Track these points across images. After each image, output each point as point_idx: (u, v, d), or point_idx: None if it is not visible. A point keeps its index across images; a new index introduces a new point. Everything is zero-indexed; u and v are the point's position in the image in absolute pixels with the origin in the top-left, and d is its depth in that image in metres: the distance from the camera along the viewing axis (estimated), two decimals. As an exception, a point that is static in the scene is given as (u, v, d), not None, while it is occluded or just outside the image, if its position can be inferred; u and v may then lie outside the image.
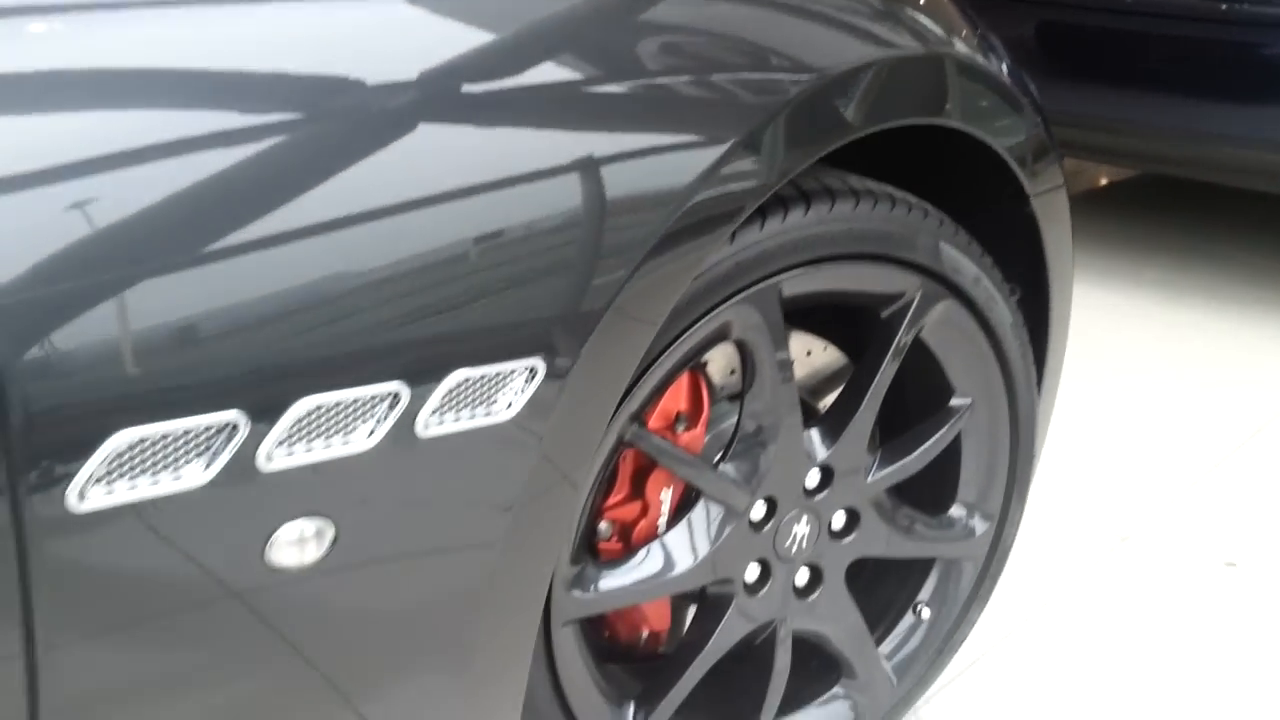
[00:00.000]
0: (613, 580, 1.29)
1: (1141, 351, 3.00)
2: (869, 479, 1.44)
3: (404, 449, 0.95)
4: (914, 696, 1.61)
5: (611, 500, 1.34)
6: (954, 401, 1.49)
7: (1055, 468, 2.19)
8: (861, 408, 1.39)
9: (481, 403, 0.98)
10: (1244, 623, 1.94)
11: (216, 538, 0.88)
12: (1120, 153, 3.47)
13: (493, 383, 0.98)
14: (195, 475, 0.85)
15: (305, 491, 0.91)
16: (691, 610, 1.46)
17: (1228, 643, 1.88)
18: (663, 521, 1.35)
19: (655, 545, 1.32)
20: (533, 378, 1.01)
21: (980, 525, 1.56)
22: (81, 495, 0.80)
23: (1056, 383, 1.65)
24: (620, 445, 1.26)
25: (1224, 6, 3.01)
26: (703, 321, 1.23)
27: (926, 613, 1.58)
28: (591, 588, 1.27)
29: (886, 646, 1.58)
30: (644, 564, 1.32)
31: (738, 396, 1.40)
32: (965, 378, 1.49)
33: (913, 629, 1.59)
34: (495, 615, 1.07)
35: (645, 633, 1.43)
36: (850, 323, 1.47)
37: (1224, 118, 3.08)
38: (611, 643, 1.43)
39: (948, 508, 1.56)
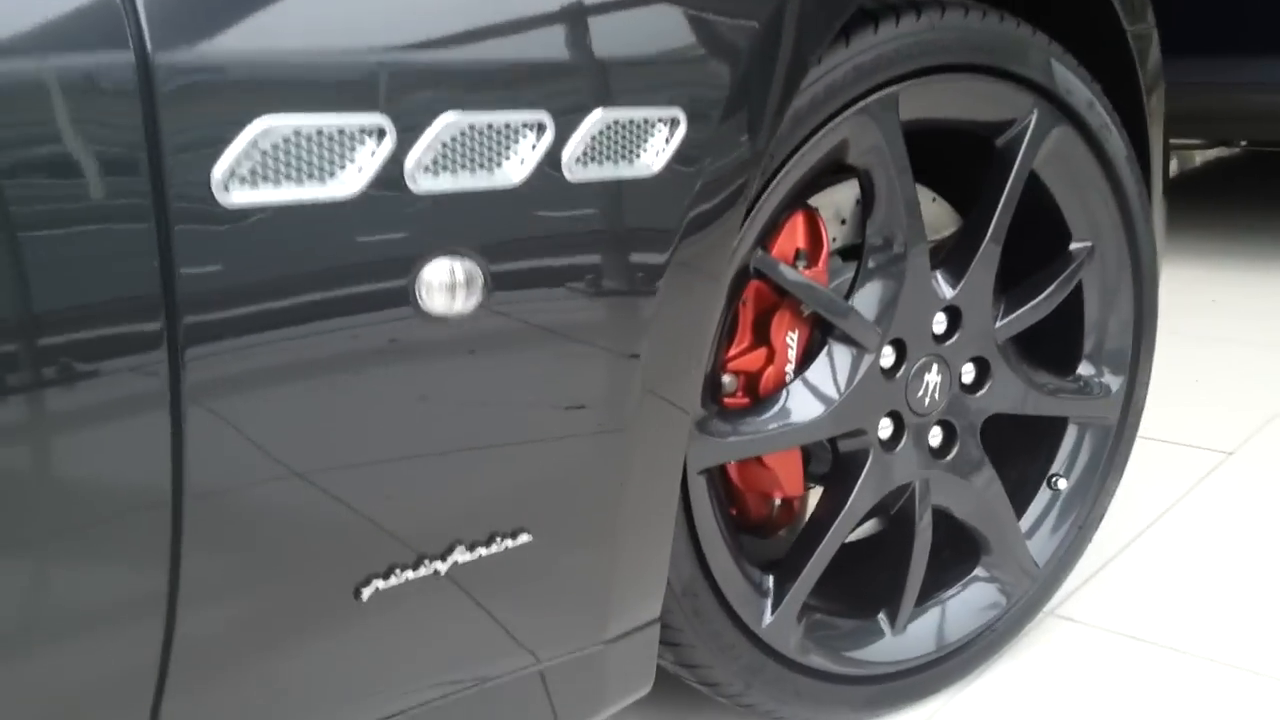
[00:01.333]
0: (744, 425, 1.20)
1: (1221, 310, 2.95)
2: (996, 325, 1.35)
3: (551, 190, 0.87)
4: (1059, 577, 1.50)
5: (734, 351, 1.25)
6: (1073, 245, 1.42)
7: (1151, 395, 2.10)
8: (984, 243, 1.31)
9: (626, 153, 0.91)
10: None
11: (364, 259, 0.79)
12: (1227, 120, 3.25)
13: (635, 131, 0.91)
14: (342, 185, 0.77)
15: (453, 224, 0.83)
16: (824, 489, 1.36)
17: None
18: (790, 369, 1.26)
19: (786, 390, 1.24)
20: (674, 130, 0.94)
21: (1113, 381, 1.47)
22: (226, 187, 0.72)
23: (1161, 240, 1.57)
24: (745, 277, 1.18)
25: None
26: (822, 133, 1.16)
27: (1062, 484, 1.48)
28: (723, 433, 1.18)
29: (1024, 523, 1.47)
30: (776, 408, 1.23)
31: (846, 252, 1.33)
32: (1082, 218, 1.41)
33: (1050, 503, 1.49)
34: (645, 405, 0.98)
35: (777, 502, 1.33)
36: (959, 174, 1.40)
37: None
38: (742, 519, 1.33)
39: (1076, 365, 1.47)
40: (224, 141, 0.72)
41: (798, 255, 1.25)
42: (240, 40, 0.73)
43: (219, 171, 0.72)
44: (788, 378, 1.26)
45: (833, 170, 1.25)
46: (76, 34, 0.68)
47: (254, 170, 0.74)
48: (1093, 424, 1.49)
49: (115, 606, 0.76)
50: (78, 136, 0.68)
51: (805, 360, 1.26)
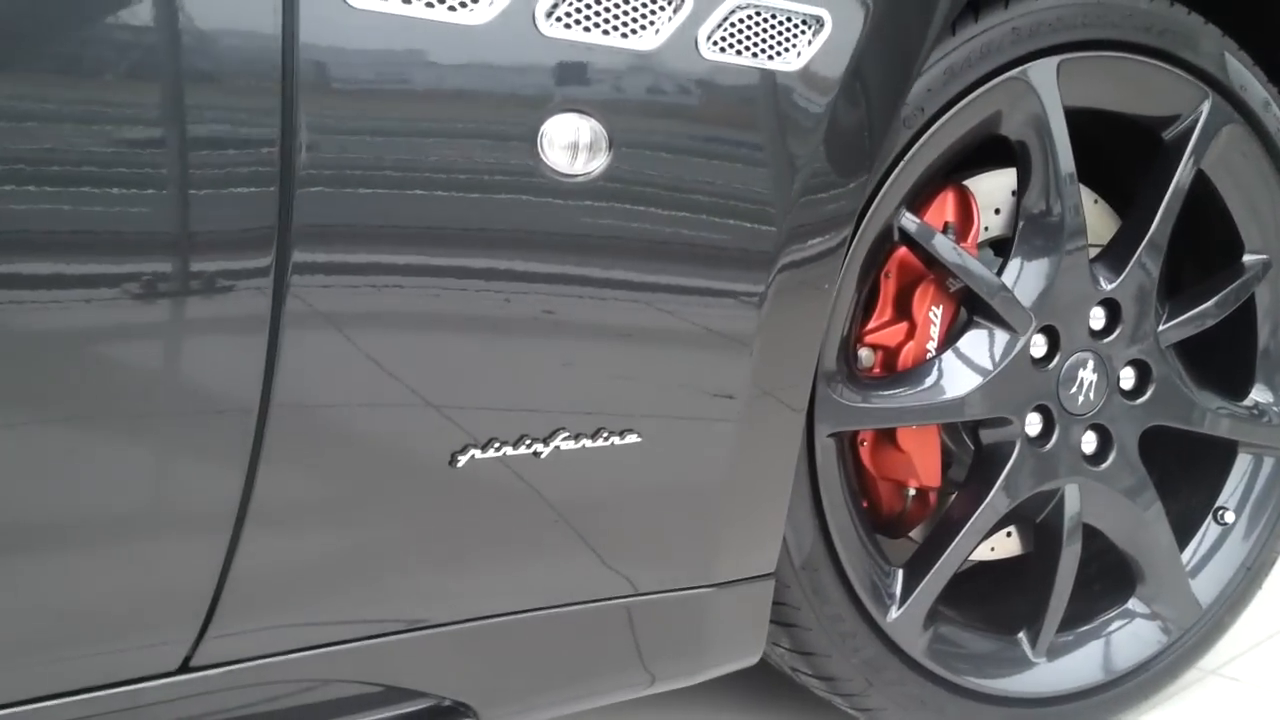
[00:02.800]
0: (879, 394, 1.14)
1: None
2: (1159, 328, 1.27)
3: (686, 63, 0.85)
4: (1224, 624, 1.36)
5: (873, 324, 1.19)
6: (1246, 258, 1.33)
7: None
8: (1147, 238, 1.24)
9: (765, 45, 0.89)
10: None
11: (489, 93, 0.78)
12: None
13: (778, 23, 0.89)
14: (471, 11, 0.77)
15: (580, 78, 0.81)
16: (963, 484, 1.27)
17: None
18: (932, 345, 1.19)
19: (928, 364, 1.17)
20: (819, 30, 0.91)
21: (1291, 409, 1.36)
22: (356, -12, 0.72)
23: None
24: (886, 243, 1.13)
25: None
26: (975, 95, 1.12)
27: (1230, 517, 1.36)
28: (855, 400, 1.12)
29: (1187, 558, 1.35)
30: (914, 381, 1.16)
31: (999, 244, 1.27)
32: (1255, 227, 1.33)
33: (1216, 540, 1.36)
34: (773, 310, 0.93)
35: (911, 493, 1.24)
36: (1125, 179, 1.33)
37: None
38: (874, 515, 1.25)
39: (1249, 389, 1.36)
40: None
41: (946, 229, 1.20)
42: None
43: (352, -29, 0.72)
44: (928, 354, 1.19)
45: (987, 152, 1.20)
46: None
47: (384, -19, 0.74)
48: (1267, 454, 1.37)
49: (201, 452, 0.75)
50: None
51: (948, 339, 1.20)
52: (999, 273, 1.20)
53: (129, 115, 0.68)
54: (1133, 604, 1.32)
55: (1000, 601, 1.32)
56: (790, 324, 0.96)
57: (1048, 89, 1.16)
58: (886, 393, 1.15)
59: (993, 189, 1.27)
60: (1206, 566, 1.36)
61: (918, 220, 1.14)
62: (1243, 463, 1.37)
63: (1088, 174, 1.33)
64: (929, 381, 1.17)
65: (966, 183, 1.24)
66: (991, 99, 1.14)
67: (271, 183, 0.71)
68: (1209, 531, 1.37)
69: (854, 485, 1.19)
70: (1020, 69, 1.14)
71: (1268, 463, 1.37)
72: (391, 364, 0.79)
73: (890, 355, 1.20)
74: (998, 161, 1.25)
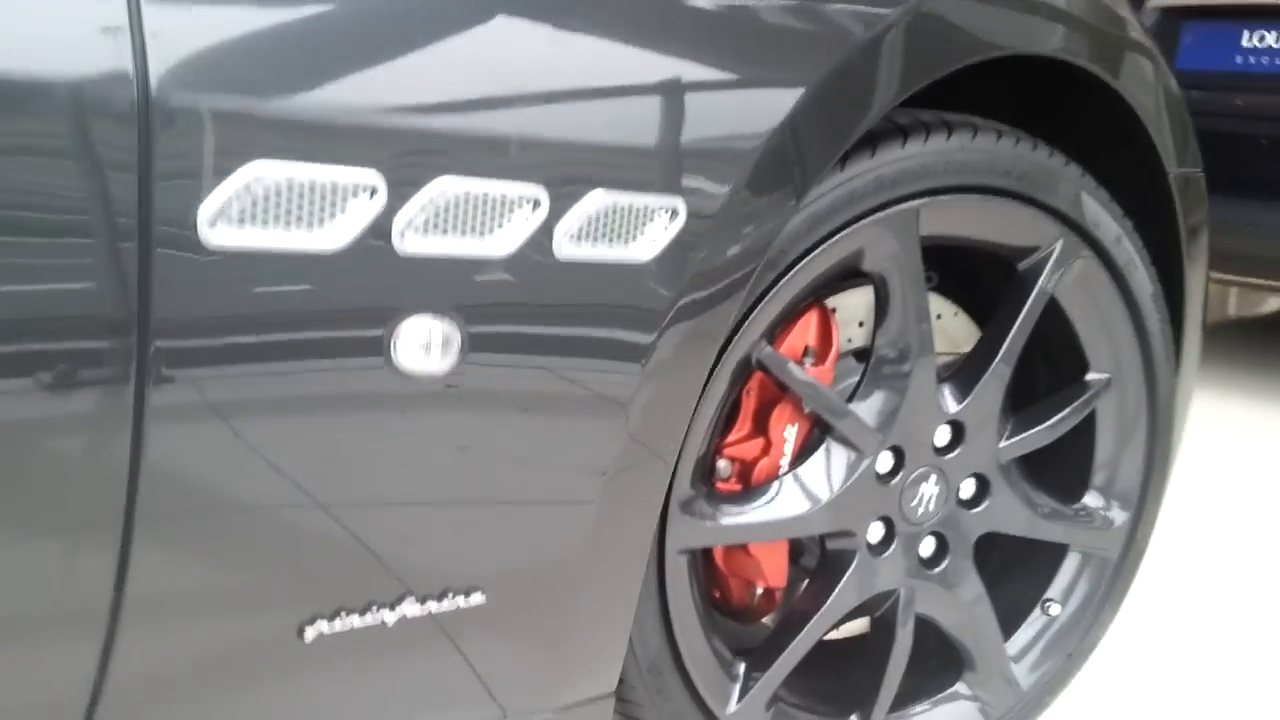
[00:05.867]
0: (731, 511, 1.22)
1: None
2: (1000, 444, 1.36)
3: (540, 264, 0.91)
4: (1043, 703, 1.48)
5: (732, 437, 1.27)
6: (1090, 376, 1.42)
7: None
8: (995, 362, 1.32)
9: (621, 237, 0.94)
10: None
11: (342, 312, 0.83)
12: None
13: (633, 216, 0.94)
14: (328, 237, 0.82)
15: (435, 285, 0.87)
16: (806, 584, 1.36)
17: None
18: (785, 461, 1.27)
19: (777, 483, 1.25)
20: (674, 219, 0.97)
21: (1119, 516, 1.46)
22: (212, 223, 0.77)
23: (1190, 383, 1.56)
24: (747, 369, 1.20)
25: None
26: (838, 237, 1.19)
27: (1056, 609, 1.47)
28: (708, 517, 1.20)
29: (1013, 645, 1.46)
30: (763, 499, 1.24)
31: (862, 354, 1.35)
32: (1101, 349, 1.41)
33: (1042, 628, 1.47)
34: (616, 483, 1.01)
35: (759, 590, 1.34)
36: (982, 289, 1.41)
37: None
38: (723, 603, 1.34)
39: (1081, 494, 1.46)
40: (212, 183, 0.76)
41: (806, 352, 1.27)
42: (241, 85, 0.77)
43: (204, 209, 0.76)
44: (781, 470, 1.27)
45: (849, 275, 1.27)
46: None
47: (241, 213, 0.78)
48: (1094, 554, 1.47)
49: (55, 623, 0.81)
50: (75, 157, 0.73)
51: (801, 455, 1.28)
52: (856, 387, 1.28)
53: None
54: (960, 686, 1.44)
55: (839, 677, 1.42)
56: (631, 494, 1.03)
57: (907, 232, 1.22)
58: (735, 508, 1.23)
59: (857, 304, 1.35)
60: (1031, 650, 1.47)
61: (774, 351, 1.20)
62: (1073, 559, 1.48)
63: (953, 285, 1.41)
64: (777, 499, 1.25)
65: (829, 300, 1.31)
66: (854, 240, 1.20)
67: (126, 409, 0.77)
68: (1037, 620, 1.47)
69: (705, 585, 1.28)
70: (883, 213, 1.21)
71: (1093, 560, 1.48)
72: (244, 537, 0.85)
73: (746, 468, 1.28)
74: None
